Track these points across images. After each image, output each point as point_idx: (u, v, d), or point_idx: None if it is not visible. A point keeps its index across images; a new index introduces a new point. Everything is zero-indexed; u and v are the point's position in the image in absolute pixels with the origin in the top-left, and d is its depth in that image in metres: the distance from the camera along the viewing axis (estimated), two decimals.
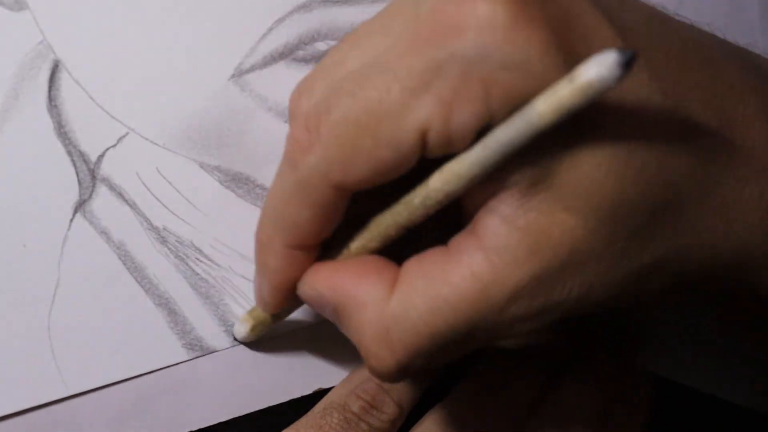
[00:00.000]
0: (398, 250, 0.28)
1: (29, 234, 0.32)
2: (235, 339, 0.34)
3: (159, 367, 0.33)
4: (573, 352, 0.39)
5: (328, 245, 0.29)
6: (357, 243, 0.28)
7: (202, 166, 0.34)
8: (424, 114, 0.24)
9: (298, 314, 0.36)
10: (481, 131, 0.25)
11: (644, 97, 0.26)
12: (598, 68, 0.22)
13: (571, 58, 0.24)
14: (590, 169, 0.25)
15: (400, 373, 0.27)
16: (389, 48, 0.25)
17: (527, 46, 0.24)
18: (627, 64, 0.22)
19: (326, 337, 0.37)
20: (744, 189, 0.28)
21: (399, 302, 0.26)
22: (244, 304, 0.35)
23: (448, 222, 0.28)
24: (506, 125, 0.24)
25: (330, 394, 0.35)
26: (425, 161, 0.26)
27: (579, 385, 0.38)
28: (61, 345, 0.32)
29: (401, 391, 0.35)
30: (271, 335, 0.35)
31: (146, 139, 0.33)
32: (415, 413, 0.36)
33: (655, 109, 0.26)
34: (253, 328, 0.33)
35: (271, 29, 0.34)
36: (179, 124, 0.34)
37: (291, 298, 0.30)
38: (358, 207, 0.28)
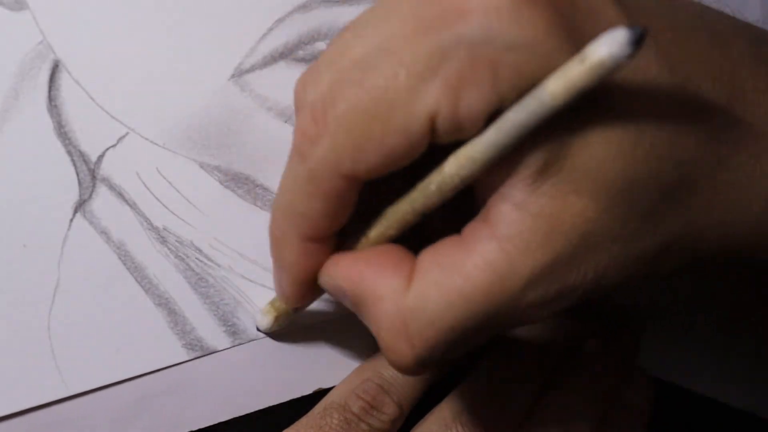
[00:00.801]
0: (415, 238, 0.28)
1: (29, 234, 0.32)
2: (259, 330, 0.34)
3: (159, 368, 0.33)
4: (574, 353, 0.39)
5: (345, 235, 0.29)
6: (375, 231, 0.28)
7: (202, 166, 0.34)
8: (432, 99, 0.24)
9: (296, 317, 0.36)
10: (491, 116, 0.25)
11: (652, 75, 0.25)
12: (608, 47, 0.22)
13: (577, 37, 0.24)
14: (600, 150, 0.25)
15: (420, 366, 0.27)
16: (394, 34, 0.25)
17: (532, 26, 0.24)
18: (637, 42, 0.22)
19: (326, 337, 0.37)
20: (757, 165, 0.27)
21: (416, 295, 0.26)
22: (244, 305, 0.35)
23: (463, 208, 0.28)
24: (519, 107, 0.24)
25: (330, 394, 0.35)
26: (436, 148, 0.26)
27: (580, 385, 0.38)
28: (61, 345, 0.32)
29: (401, 391, 0.35)
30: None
31: (146, 139, 0.33)
32: (415, 413, 0.36)
33: (663, 87, 0.26)
34: (276, 319, 0.33)
35: (271, 29, 0.34)
36: (179, 124, 0.34)
37: (312, 289, 0.30)
38: (370, 197, 0.28)
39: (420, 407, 0.36)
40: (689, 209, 0.27)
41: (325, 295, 0.34)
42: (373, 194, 0.28)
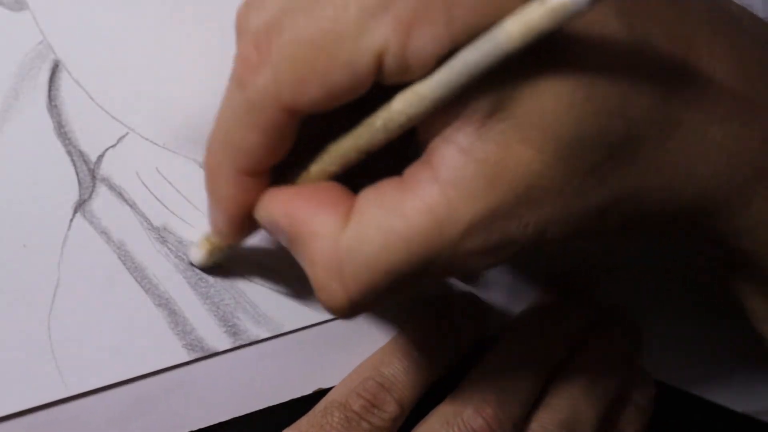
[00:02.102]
0: (356, 178, 0.27)
1: (29, 234, 0.32)
2: (192, 264, 0.34)
3: (159, 368, 0.33)
4: (575, 354, 0.39)
5: (283, 170, 0.28)
6: (316, 167, 0.27)
7: (201, 165, 0.34)
8: (381, 36, 0.23)
9: (297, 316, 0.36)
10: (442, 58, 0.24)
11: (610, 30, 0.25)
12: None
13: None
14: (550, 101, 0.24)
15: (352, 308, 0.26)
16: None
17: None
18: None
19: (326, 337, 0.37)
20: (708, 130, 0.27)
21: (352, 235, 0.25)
22: (245, 305, 0.35)
23: (406, 151, 0.27)
24: (474, 46, 0.23)
25: (331, 393, 0.35)
26: (382, 90, 0.25)
27: (580, 385, 0.38)
28: (61, 345, 0.32)
29: (402, 389, 0.35)
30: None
31: (146, 139, 0.33)
32: (416, 412, 0.36)
33: (620, 43, 0.25)
34: (210, 253, 0.32)
35: None
36: (179, 124, 0.34)
37: (247, 224, 0.29)
38: (311, 132, 0.27)
39: (421, 406, 0.36)
40: (635, 168, 0.26)
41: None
42: (314, 130, 0.27)
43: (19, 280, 0.31)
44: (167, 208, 0.34)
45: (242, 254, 0.35)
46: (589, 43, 0.24)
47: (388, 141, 0.26)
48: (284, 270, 0.35)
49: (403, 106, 0.25)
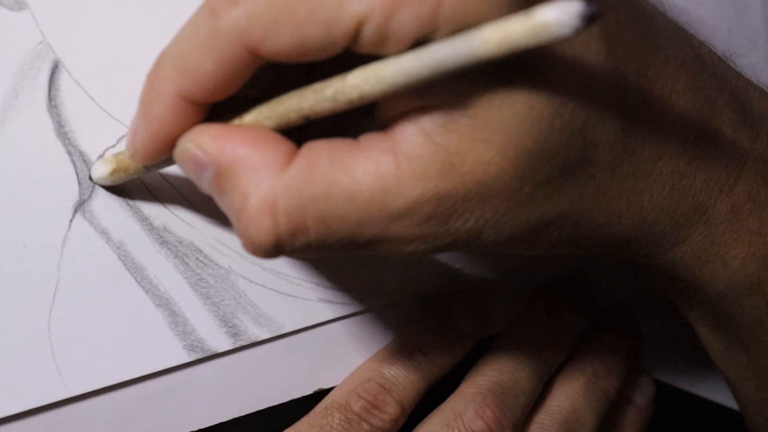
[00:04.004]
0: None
1: (29, 234, 0.32)
2: (90, 178, 0.32)
3: (160, 369, 0.33)
4: (575, 355, 0.39)
5: (219, 112, 0.27)
6: (251, 116, 0.26)
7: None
8: (366, 2, 0.23)
9: (298, 317, 0.36)
10: (417, 42, 0.23)
11: (590, 52, 0.25)
12: (559, 13, 0.21)
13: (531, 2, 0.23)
14: (521, 109, 0.24)
15: (276, 246, 0.25)
16: None
17: None
18: (590, 19, 0.21)
19: (326, 337, 0.37)
20: (656, 163, 0.28)
21: (295, 175, 0.25)
22: (245, 306, 0.35)
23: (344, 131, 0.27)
24: (447, 42, 0.23)
25: (331, 393, 0.35)
26: (349, 57, 0.25)
27: (580, 387, 0.38)
28: (61, 346, 0.32)
29: (402, 390, 0.35)
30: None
31: None
32: (416, 414, 0.36)
33: (596, 67, 0.25)
34: (113, 172, 0.31)
35: None
36: None
37: (165, 152, 0.28)
38: (258, 83, 0.27)
39: (421, 406, 0.36)
40: (583, 189, 0.27)
41: (323, 294, 0.34)
42: (261, 82, 0.27)
43: (18, 281, 0.31)
44: (167, 208, 0.34)
45: (242, 254, 0.35)
46: (568, 61, 0.25)
47: (332, 112, 0.25)
48: (286, 270, 0.35)
49: (359, 81, 0.24)
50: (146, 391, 0.34)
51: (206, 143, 0.26)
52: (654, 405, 0.41)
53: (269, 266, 0.35)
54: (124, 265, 0.33)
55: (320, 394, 0.36)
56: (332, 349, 0.37)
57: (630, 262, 0.31)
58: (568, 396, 0.37)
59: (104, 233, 0.33)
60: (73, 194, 0.32)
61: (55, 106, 0.32)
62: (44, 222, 0.32)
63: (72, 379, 0.32)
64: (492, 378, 0.36)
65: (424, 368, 0.36)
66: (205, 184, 0.27)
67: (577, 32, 0.21)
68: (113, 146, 0.33)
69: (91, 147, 0.33)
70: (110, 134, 0.33)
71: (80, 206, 0.32)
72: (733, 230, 0.30)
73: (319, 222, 0.25)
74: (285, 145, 0.25)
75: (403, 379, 0.35)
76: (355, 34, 0.23)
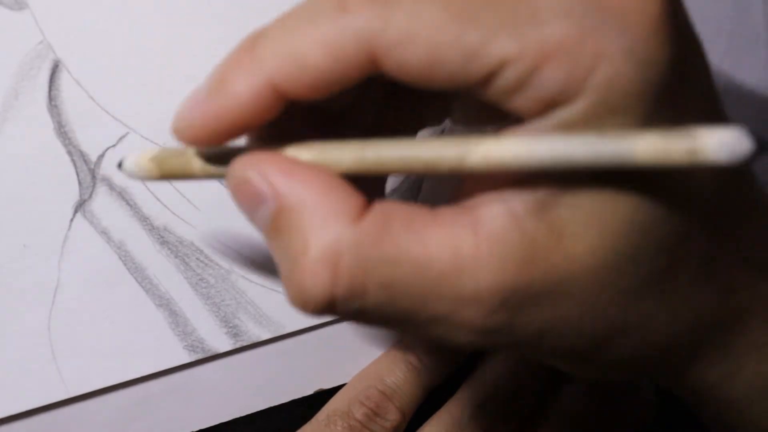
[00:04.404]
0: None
1: (29, 234, 0.32)
2: (118, 165, 0.27)
3: (160, 369, 0.33)
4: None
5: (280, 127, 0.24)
6: (322, 153, 0.23)
7: None
8: (517, 45, 0.21)
9: (299, 318, 0.35)
10: (549, 104, 0.21)
11: (705, 177, 0.24)
12: (727, 142, 0.19)
13: (677, 103, 0.22)
14: (625, 211, 0.22)
15: (328, 305, 0.23)
16: None
17: (661, 54, 0.21)
18: (757, 153, 0.19)
19: (327, 338, 0.36)
20: (726, 298, 0.26)
21: (366, 233, 0.22)
22: (246, 306, 0.35)
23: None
24: (599, 138, 0.21)
25: (332, 401, 0.35)
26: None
27: (580, 399, 0.38)
28: (61, 346, 0.32)
29: (403, 397, 0.35)
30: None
31: (146, 138, 0.33)
32: (415, 419, 0.36)
33: (703, 188, 0.24)
34: (150, 171, 0.26)
35: None
36: None
37: (221, 138, 0.23)
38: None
39: (420, 412, 0.36)
40: (656, 304, 0.25)
41: None
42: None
43: (19, 280, 0.31)
44: (168, 208, 0.34)
45: (243, 254, 0.35)
46: (684, 175, 0.23)
47: (446, 176, 0.23)
48: None
49: (514, 149, 0.22)
50: (147, 392, 0.34)
51: (274, 176, 0.23)
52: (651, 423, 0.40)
53: (270, 266, 0.35)
54: (125, 265, 0.33)
55: (321, 395, 0.36)
56: (333, 349, 0.36)
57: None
58: (566, 408, 0.37)
59: (104, 233, 0.33)
60: (73, 194, 0.32)
61: (56, 106, 0.32)
62: (44, 222, 0.32)
63: (72, 380, 0.32)
64: (491, 382, 0.36)
65: (423, 375, 0.36)
66: (259, 220, 0.24)
67: (737, 164, 0.19)
68: (113, 146, 0.33)
69: (92, 147, 0.32)
70: (111, 134, 0.33)
71: (80, 206, 0.32)
72: None
73: (382, 288, 0.22)
74: (357, 199, 0.23)
75: (403, 386, 0.35)
76: (493, 74, 0.21)
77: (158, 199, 0.33)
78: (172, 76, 0.34)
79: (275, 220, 0.23)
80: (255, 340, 0.35)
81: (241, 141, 0.25)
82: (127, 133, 0.33)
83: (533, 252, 0.22)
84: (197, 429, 0.35)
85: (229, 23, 0.34)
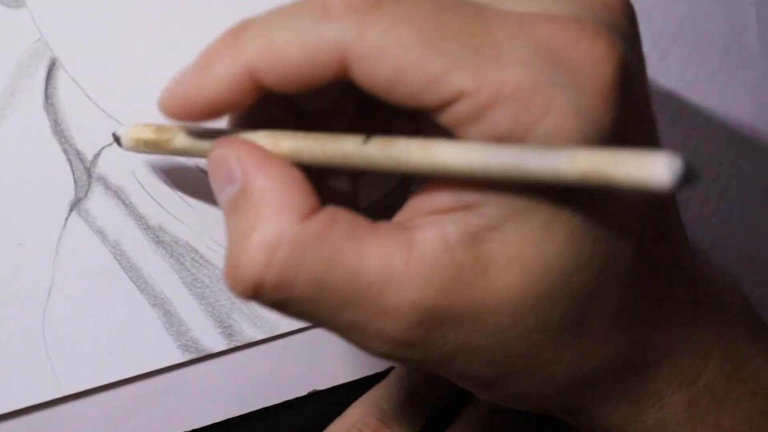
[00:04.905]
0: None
1: (24, 232, 0.31)
2: (115, 137, 0.31)
3: (154, 369, 0.33)
4: None
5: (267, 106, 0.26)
6: (291, 142, 0.25)
7: (198, 165, 0.34)
8: (475, 81, 0.22)
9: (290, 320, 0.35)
10: (498, 139, 0.22)
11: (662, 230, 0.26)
12: (665, 168, 0.19)
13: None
14: (555, 252, 0.23)
15: (253, 290, 0.24)
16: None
17: (605, 117, 0.22)
18: (688, 181, 0.19)
19: (321, 339, 0.37)
20: (631, 350, 0.28)
21: (309, 231, 0.24)
22: (240, 306, 0.35)
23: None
24: (533, 148, 0.21)
25: (331, 427, 0.35)
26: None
27: None
28: (55, 344, 0.32)
29: (402, 425, 0.35)
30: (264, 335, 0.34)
31: None
32: None
33: (636, 258, 0.25)
34: (137, 143, 0.30)
35: None
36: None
37: (197, 116, 0.25)
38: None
39: None
40: (565, 349, 0.26)
41: None
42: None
43: (13, 279, 0.31)
44: (163, 208, 0.34)
45: None
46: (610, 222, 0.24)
47: (392, 174, 0.25)
48: None
49: (421, 159, 0.23)
50: (140, 391, 0.34)
51: (247, 163, 0.25)
52: None
53: None
54: (120, 264, 0.33)
55: (314, 396, 0.36)
56: (327, 350, 0.37)
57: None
58: None
59: (100, 232, 0.33)
60: (68, 193, 0.32)
61: (52, 104, 0.32)
62: (39, 220, 0.32)
63: (66, 378, 0.32)
64: (491, 408, 0.36)
65: (422, 402, 0.36)
66: (224, 196, 0.26)
67: (670, 191, 0.20)
68: (109, 145, 0.33)
69: (88, 145, 0.32)
70: (107, 133, 0.33)
71: (76, 205, 0.32)
72: (687, 420, 0.29)
73: (310, 284, 0.24)
74: (312, 200, 0.24)
75: (402, 413, 0.35)
76: (449, 103, 0.22)
77: (154, 199, 0.33)
78: (169, 76, 0.33)
79: (236, 200, 0.25)
80: (249, 340, 0.35)
81: (222, 123, 0.27)
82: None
83: (458, 278, 0.23)
84: (190, 429, 0.35)
85: (228, 23, 0.34)
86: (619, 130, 0.23)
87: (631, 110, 0.23)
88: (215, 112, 0.25)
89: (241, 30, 0.25)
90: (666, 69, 0.41)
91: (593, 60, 0.22)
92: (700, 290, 0.30)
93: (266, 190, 0.24)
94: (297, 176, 0.25)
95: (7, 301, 0.31)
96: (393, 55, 0.22)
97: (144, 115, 0.33)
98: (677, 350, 0.29)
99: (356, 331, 0.24)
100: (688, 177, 0.19)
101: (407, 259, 0.23)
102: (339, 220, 0.24)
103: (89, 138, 0.32)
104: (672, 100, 0.42)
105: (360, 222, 0.24)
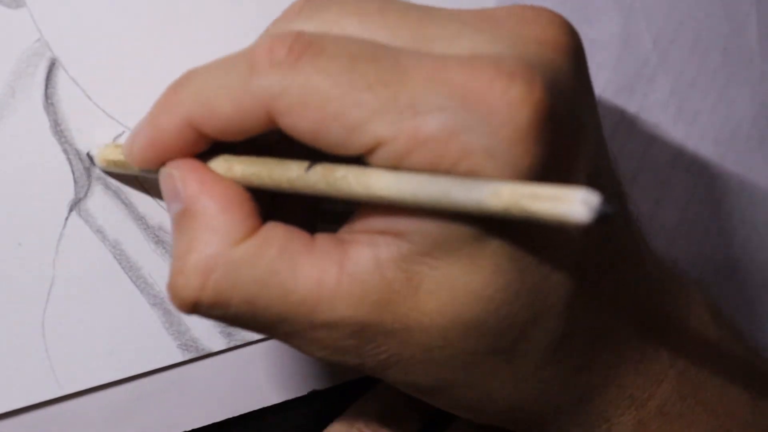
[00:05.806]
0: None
1: (24, 232, 0.32)
2: (89, 155, 0.32)
3: (154, 368, 0.33)
4: None
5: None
6: (243, 167, 0.27)
7: None
8: (392, 131, 0.23)
9: None
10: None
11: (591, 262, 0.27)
12: (583, 203, 0.20)
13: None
14: (480, 282, 0.24)
15: (192, 308, 0.26)
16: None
17: (523, 159, 0.23)
18: (603, 219, 0.20)
19: None
20: (574, 374, 0.28)
21: (242, 254, 0.25)
22: None
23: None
24: (458, 180, 0.22)
25: None
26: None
27: None
28: (55, 344, 0.32)
29: None
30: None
31: None
32: None
33: (585, 277, 0.26)
34: (108, 162, 0.32)
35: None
36: None
37: (155, 164, 0.28)
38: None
39: None
40: (497, 371, 0.27)
41: None
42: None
43: (13, 279, 0.31)
44: (163, 207, 0.34)
45: None
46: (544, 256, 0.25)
47: (316, 195, 0.25)
48: None
49: (359, 187, 0.24)
50: (140, 390, 0.34)
51: (189, 184, 0.26)
52: None
53: None
54: (119, 263, 0.33)
55: (314, 395, 0.36)
56: None
57: None
58: None
59: (99, 232, 0.33)
60: (68, 192, 0.32)
61: (52, 104, 0.32)
62: (39, 220, 0.32)
63: (66, 378, 0.32)
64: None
65: (412, 410, 0.36)
66: (171, 212, 0.27)
67: (585, 226, 0.20)
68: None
69: (88, 146, 0.33)
70: (106, 133, 0.33)
71: (76, 204, 0.32)
72: None
73: (244, 303, 0.25)
74: (252, 220, 0.26)
75: (393, 423, 0.35)
76: (371, 150, 0.24)
77: (153, 198, 0.34)
78: (169, 76, 0.33)
79: (179, 219, 0.26)
80: (249, 339, 0.35)
81: None
82: (123, 132, 0.33)
83: (389, 297, 0.25)
84: (190, 428, 0.35)
85: (228, 23, 0.34)
86: (548, 167, 0.23)
87: (562, 146, 0.24)
88: (170, 159, 0.27)
89: (180, 84, 0.27)
90: (666, 69, 0.41)
91: (507, 103, 0.22)
92: (655, 312, 0.30)
93: (205, 212, 0.26)
94: (239, 197, 0.26)
95: (6, 301, 0.31)
96: (314, 108, 0.23)
97: (141, 114, 0.33)
98: (627, 374, 0.29)
99: (294, 340, 0.26)
100: (605, 215, 0.20)
101: (339, 276, 0.25)
102: (274, 239, 0.25)
103: (89, 138, 0.32)
104: (672, 100, 0.42)
105: (297, 239, 0.25)
